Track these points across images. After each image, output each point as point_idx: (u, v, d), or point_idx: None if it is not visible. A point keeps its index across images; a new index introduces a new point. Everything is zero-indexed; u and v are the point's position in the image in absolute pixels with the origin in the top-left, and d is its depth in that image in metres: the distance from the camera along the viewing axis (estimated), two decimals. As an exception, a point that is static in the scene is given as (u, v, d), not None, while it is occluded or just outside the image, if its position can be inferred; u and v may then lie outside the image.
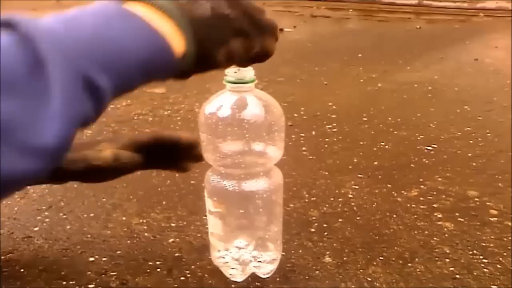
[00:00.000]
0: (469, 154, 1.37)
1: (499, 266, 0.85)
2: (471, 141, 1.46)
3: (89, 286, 0.82)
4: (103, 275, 0.84)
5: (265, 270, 0.82)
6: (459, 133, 1.53)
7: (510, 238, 0.94)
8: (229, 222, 0.79)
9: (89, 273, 0.85)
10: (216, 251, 0.82)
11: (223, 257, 0.81)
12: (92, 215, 1.04)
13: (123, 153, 0.71)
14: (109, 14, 0.41)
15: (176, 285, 0.82)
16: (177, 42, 0.44)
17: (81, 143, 0.77)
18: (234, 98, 0.71)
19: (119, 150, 0.71)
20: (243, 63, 0.59)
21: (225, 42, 0.49)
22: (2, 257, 0.90)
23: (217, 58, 0.49)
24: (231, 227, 0.80)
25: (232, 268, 0.81)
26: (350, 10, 5.49)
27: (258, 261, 0.81)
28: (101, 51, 0.39)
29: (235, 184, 0.74)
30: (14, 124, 0.33)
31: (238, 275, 0.81)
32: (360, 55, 2.86)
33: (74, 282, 0.83)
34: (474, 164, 1.30)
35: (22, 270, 0.86)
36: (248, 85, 0.70)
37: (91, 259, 0.89)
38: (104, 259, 0.89)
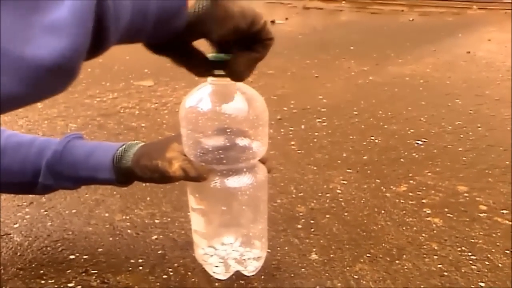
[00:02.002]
0: (460, 149, 1.35)
1: (487, 263, 0.84)
2: (461, 136, 1.45)
3: (69, 285, 0.79)
4: (84, 274, 0.82)
5: (250, 268, 0.80)
6: (450, 127, 1.52)
7: (499, 234, 0.93)
8: (212, 219, 0.77)
9: (69, 271, 0.83)
10: (200, 249, 0.80)
11: (207, 255, 0.79)
12: (74, 211, 1.02)
13: (191, 169, 0.69)
14: None
15: (158, 284, 0.80)
16: None
17: (150, 147, 0.76)
18: (215, 91, 0.69)
19: (187, 165, 0.70)
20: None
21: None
22: (-20, 255, 0.87)
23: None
24: (214, 225, 0.77)
25: (216, 266, 0.79)
26: (343, 2, 5.46)
27: (243, 259, 0.79)
28: None
29: (218, 180, 0.72)
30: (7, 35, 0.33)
31: (221, 274, 0.79)
32: (352, 47, 2.85)
33: (53, 281, 0.80)
34: (464, 158, 1.28)
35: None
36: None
37: (72, 256, 0.87)
38: (85, 257, 0.87)
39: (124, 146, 0.77)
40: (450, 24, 4.02)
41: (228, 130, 0.69)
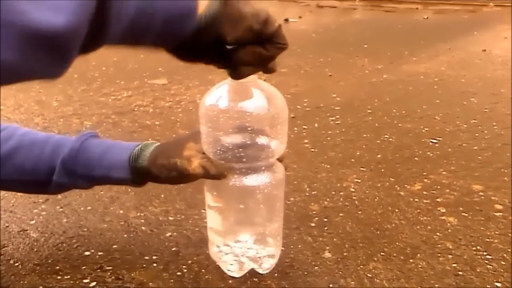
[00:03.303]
0: (475, 147, 1.34)
1: (503, 263, 0.83)
2: (476, 134, 1.44)
3: (84, 281, 0.80)
4: (99, 270, 0.83)
5: (265, 265, 0.80)
6: (465, 126, 1.50)
7: (515, 233, 0.92)
8: (228, 217, 0.77)
9: (84, 267, 0.84)
10: (215, 246, 0.80)
11: (222, 252, 0.79)
12: (89, 208, 1.03)
13: (210, 167, 0.69)
14: None
15: (172, 281, 0.80)
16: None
17: (166, 147, 0.76)
18: (235, 89, 0.68)
19: (207, 163, 0.69)
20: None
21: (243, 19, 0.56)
22: (-3, 251, 0.88)
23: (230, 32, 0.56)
24: (230, 222, 0.77)
25: (231, 264, 0.79)
26: (357, 0, 5.43)
27: (258, 257, 0.79)
28: None
29: (236, 178, 0.72)
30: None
31: (236, 271, 0.79)
32: (366, 46, 2.83)
33: (68, 276, 0.81)
34: (479, 157, 1.27)
35: (16, 264, 0.85)
36: (251, 76, 0.66)
37: (87, 253, 0.88)
38: (100, 253, 0.88)
39: (140, 146, 0.77)
40: (465, 22, 3.98)
41: (248, 128, 0.69)
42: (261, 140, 0.70)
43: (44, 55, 0.39)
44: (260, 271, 0.80)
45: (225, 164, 0.70)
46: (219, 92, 0.69)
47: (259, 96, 0.68)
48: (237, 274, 0.79)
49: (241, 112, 0.68)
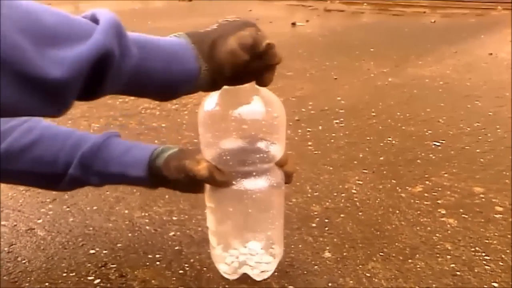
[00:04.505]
0: (477, 150, 1.35)
1: (501, 264, 0.84)
2: (480, 137, 1.44)
3: (89, 278, 0.82)
4: (103, 267, 0.85)
5: (256, 271, 0.79)
6: (468, 129, 1.51)
7: (514, 235, 0.93)
8: (224, 220, 0.77)
9: (89, 265, 0.86)
10: (212, 248, 0.81)
11: (218, 255, 0.80)
12: (95, 208, 1.05)
13: (217, 172, 0.70)
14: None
15: (174, 279, 0.82)
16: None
17: (184, 152, 0.77)
18: (233, 94, 0.68)
19: (214, 168, 0.71)
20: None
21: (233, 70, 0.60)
22: (5, 249, 0.91)
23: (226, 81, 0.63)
24: (227, 226, 0.78)
25: (225, 267, 0.79)
26: (365, 4, 5.44)
27: (252, 263, 0.78)
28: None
29: (235, 182, 0.72)
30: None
31: (230, 274, 0.80)
32: (372, 49, 2.84)
33: (74, 273, 0.83)
34: (481, 160, 1.28)
35: (24, 261, 0.87)
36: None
37: (92, 251, 0.90)
38: (104, 251, 0.90)
39: (162, 148, 0.78)
40: (473, 25, 3.97)
41: (245, 133, 0.70)
42: (259, 144, 0.71)
43: (42, 99, 0.44)
44: (256, 278, 0.80)
45: (227, 171, 0.71)
46: (217, 97, 0.70)
47: (257, 101, 0.69)
48: (231, 277, 0.80)
49: (239, 117, 0.68)
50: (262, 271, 0.80)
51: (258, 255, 0.78)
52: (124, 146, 0.79)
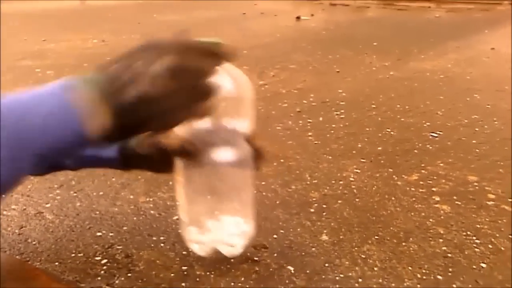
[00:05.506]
0: (474, 141, 1.38)
1: (490, 246, 0.88)
2: (477, 129, 1.47)
3: (96, 258, 0.86)
4: (109, 249, 0.89)
5: (232, 247, 0.78)
6: (466, 121, 1.54)
7: (504, 221, 0.96)
8: (193, 195, 0.76)
9: (96, 246, 0.90)
10: (184, 223, 0.78)
11: (187, 230, 0.78)
12: (101, 193, 1.09)
13: (186, 142, 0.70)
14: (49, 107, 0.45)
15: (178, 259, 0.86)
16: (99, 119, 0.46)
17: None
18: None
19: (184, 137, 0.71)
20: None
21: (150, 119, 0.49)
22: (16, 231, 0.95)
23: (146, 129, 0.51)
24: (196, 200, 0.76)
25: (195, 243, 0.78)
26: (369, -2, 5.45)
27: (224, 238, 0.77)
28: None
29: (202, 157, 0.70)
30: None
31: (201, 250, 0.78)
32: (375, 43, 2.87)
33: (82, 254, 0.87)
34: (477, 150, 1.31)
35: (34, 243, 0.91)
36: None
37: (99, 234, 0.94)
38: (111, 234, 0.94)
39: None
40: (477, 21, 3.99)
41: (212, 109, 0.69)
42: (225, 121, 0.71)
43: None
44: (229, 254, 0.78)
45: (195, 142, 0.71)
46: None
47: (221, 77, 0.69)
48: (202, 253, 0.78)
49: None
50: (232, 246, 0.79)
51: (227, 230, 0.78)
52: None
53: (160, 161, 0.75)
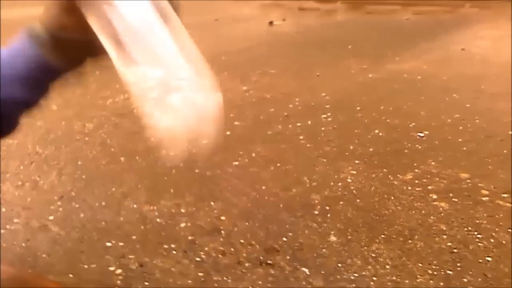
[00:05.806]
0: (460, 140, 1.43)
1: (492, 240, 0.92)
2: (460, 127, 1.53)
3: (110, 268, 0.86)
4: (122, 258, 0.89)
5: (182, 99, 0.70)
6: (449, 120, 1.59)
7: (501, 215, 1.01)
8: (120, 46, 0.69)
9: (108, 256, 0.90)
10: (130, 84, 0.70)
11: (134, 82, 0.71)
12: (103, 203, 1.08)
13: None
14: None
15: (192, 266, 0.86)
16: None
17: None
18: None
19: None
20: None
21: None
22: (23, 244, 0.94)
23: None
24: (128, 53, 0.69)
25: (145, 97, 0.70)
26: (339, 2, 5.54)
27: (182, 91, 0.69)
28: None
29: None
30: None
31: (155, 107, 0.70)
32: (349, 46, 2.92)
33: (95, 265, 0.87)
34: (464, 148, 1.36)
35: (44, 256, 0.90)
36: None
37: (108, 244, 0.94)
38: (120, 243, 0.94)
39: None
40: (444, 22, 4.10)
41: None
42: None
43: None
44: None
45: None
46: None
47: None
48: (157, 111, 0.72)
49: None
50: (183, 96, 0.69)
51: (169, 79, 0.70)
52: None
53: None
